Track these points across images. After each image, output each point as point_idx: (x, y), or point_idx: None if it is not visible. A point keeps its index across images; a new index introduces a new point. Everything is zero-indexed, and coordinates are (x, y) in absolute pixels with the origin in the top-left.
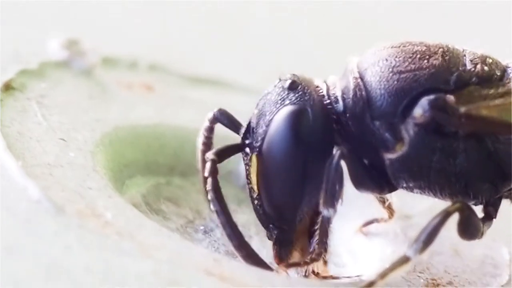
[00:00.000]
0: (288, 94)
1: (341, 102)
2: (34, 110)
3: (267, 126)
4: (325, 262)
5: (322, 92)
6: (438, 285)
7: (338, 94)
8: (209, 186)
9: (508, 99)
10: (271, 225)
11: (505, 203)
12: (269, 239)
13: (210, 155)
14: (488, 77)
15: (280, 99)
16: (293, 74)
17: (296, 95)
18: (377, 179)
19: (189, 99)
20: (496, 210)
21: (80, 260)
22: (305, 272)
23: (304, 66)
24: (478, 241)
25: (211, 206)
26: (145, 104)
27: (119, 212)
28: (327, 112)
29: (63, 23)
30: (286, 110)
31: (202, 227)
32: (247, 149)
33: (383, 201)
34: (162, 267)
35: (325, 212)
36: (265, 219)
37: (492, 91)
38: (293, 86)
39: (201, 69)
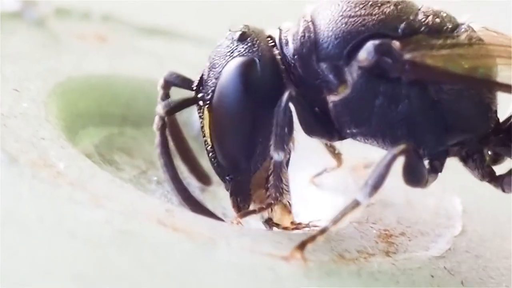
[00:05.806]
0: (237, 45)
1: (290, 45)
2: None
3: (217, 78)
4: (289, 212)
5: (272, 42)
6: (390, 235)
7: (289, 37)
8: (156, 141)
9: (455, 50)
10: (227, 177)
11: None
12: (227, 190)
13: (159, 109)
14: (439, 28)
15: (229, 51)
16: (244, 25)
17: (245, 46)
18: (326, 124)
19: (142, 49)
20: (441, 164)
21: (32, 210)
22: (267, 223)
23: (259, 16)
24: (431, 191)
25: (159, 161)
26: (98, 55)
27: (72, 163)
28: (276, 62)
29: None
30: (235, 62)
31: (155, 178)
32: (200, 102)
33: (332, 149)
34: (114, 217)
35: (275, 156)
36: (220, 171)
37: (440, 41)
38: (243, 37)
39: (154, 20)
